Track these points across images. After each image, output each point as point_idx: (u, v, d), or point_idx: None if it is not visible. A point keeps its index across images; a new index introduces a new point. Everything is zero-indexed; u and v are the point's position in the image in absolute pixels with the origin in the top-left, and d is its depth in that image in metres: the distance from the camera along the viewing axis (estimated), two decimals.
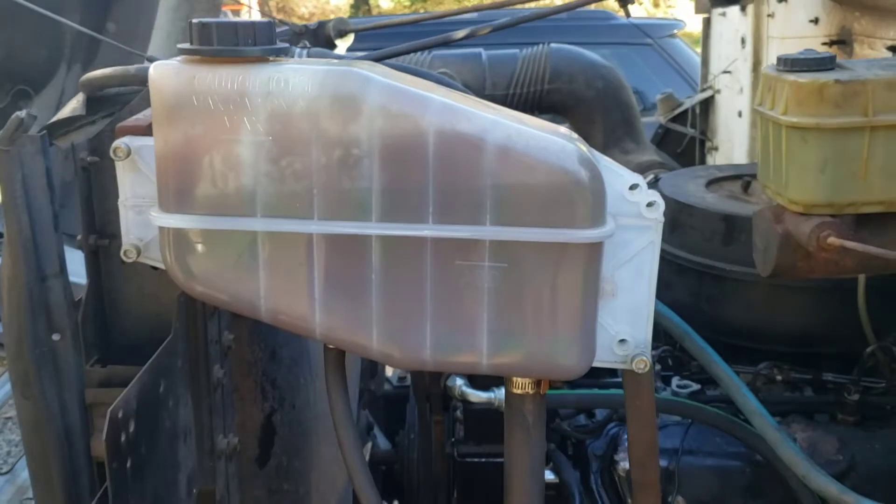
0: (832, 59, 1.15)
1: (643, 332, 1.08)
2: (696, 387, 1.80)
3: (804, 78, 1.12)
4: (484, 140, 0.98)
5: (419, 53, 2.64)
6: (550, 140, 0.99)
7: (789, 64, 1.16)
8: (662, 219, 1.03)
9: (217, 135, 1.00)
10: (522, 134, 0.99)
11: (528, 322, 1.01)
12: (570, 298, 1.01)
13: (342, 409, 1.15)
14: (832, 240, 1.08)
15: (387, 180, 0.99)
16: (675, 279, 1.88)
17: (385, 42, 3.31)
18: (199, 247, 1.05)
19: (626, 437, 1.68)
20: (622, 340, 1.08)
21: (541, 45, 2.63)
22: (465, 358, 1.04)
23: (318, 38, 2.36)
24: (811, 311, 1.72)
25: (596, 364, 1.09)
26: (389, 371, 2.61)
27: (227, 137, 1.00)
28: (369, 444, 1.98)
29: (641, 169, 2.61)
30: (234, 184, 1.01)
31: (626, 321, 1.07)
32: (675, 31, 6.31)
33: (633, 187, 1.02)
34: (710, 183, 2.01)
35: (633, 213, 1.04)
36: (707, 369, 1.42)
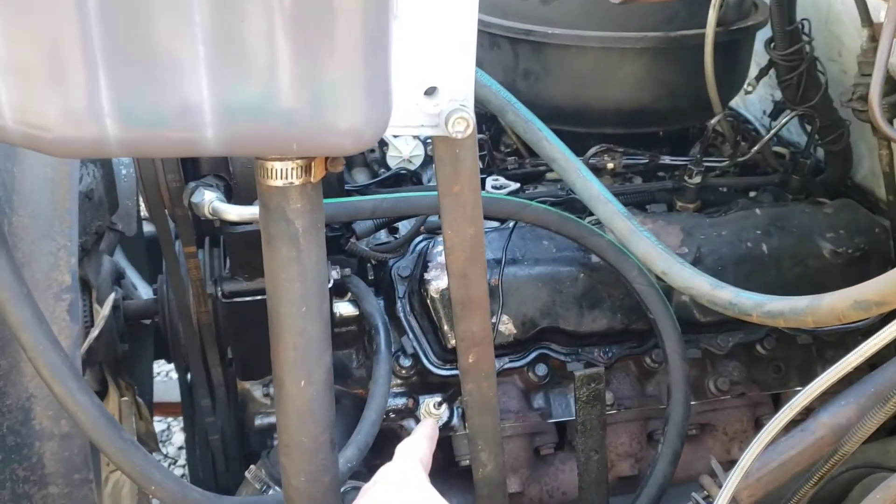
0: None
1: (462, 76, 0.70)
2: (514, 186, 1.49)
3: None
4: None
5: None
6: None
7: None
8: None
9: None
10: None
11: (274, 56, 0.60)
12: (343, 19, 0.60)
13: None
14: None
15: None
16: (485, 54, 1.51)
17: None
18: None
19: (438, 249, 1.34)
20: (430, 90, 0.70)
21: None
22: (178, 130, 0.61)
23: None
24: (647, 79, 1.42)
25: (394, 130, 0.71)
26: None
27: None
28: (112, 297, 1.52)
29: None
30: None
31: (435, 58, 0.69)
32: None
33: None
34: None
35: None
36: (536, 149, 1.09)
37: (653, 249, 1.01)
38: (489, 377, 0.95)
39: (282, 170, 0.69)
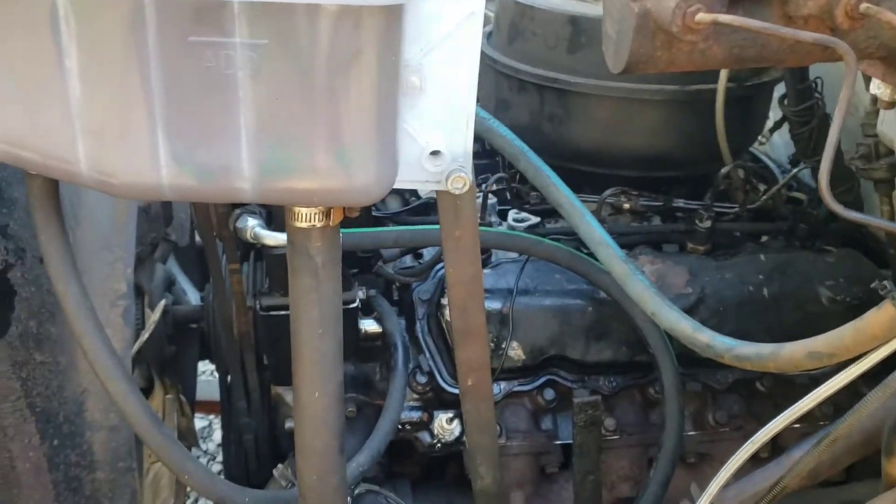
0: None
1: (461, 141, 0.81)
2: (534, 220, 1.60)
3: None
4: None
5: None
6: None
7: None
8: None
9: None
10: None
11: (302, 127, 0.72)
12: (360, 92, 0.72)
13: (57, 256, 0.83)
14: (701, 16, 0.84)
15: None
16: (513, 98, 1.63)
17: None
18: None
19: None
20: (434, 152, 0.81)
21: None
22: (221, 182, 0.75)
23: None
24: (663, 128, 1.53)
25: (402, 184, 0.83)
26: None
27: None
28: (163, 303, 1.67)
29: None
30: None
31: (439, 126, 0.80)
32: None
33: None
34: None
35: None
36: (544, 194, 1.20)
37: (645, 291, 1.11)
38: (487, 399, 1.06)
39: (306, 214, 0.82)
